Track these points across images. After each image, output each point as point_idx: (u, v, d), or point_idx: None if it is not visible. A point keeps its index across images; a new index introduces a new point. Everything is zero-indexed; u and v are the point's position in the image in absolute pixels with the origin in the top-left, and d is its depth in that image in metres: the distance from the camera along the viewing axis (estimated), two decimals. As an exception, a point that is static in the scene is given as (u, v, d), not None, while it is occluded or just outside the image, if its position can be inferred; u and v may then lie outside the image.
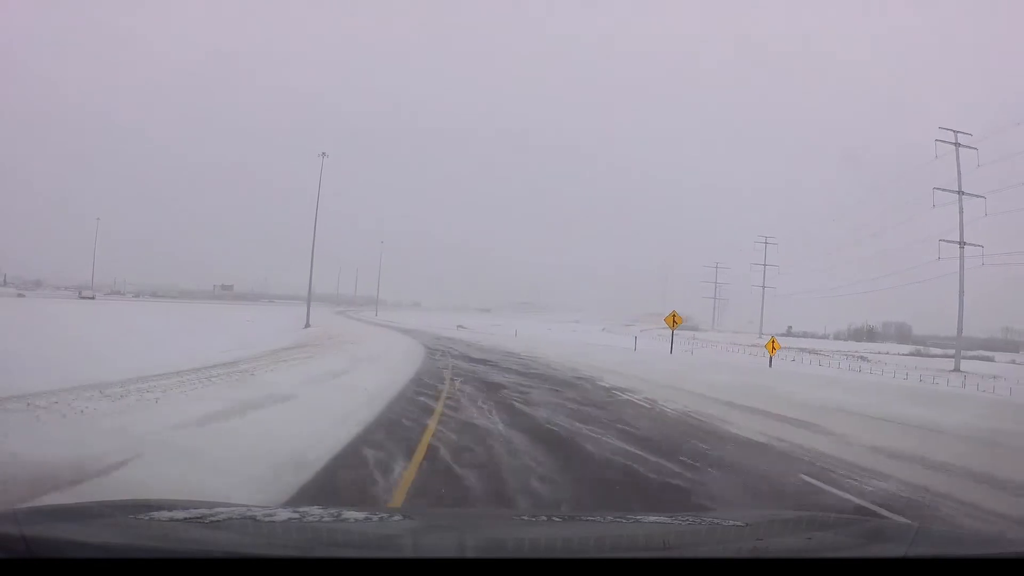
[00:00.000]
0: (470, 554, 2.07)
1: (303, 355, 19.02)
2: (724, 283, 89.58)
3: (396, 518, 3.17)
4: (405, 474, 5.94)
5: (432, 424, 8.82)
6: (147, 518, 2.29)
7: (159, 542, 2.03)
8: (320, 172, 42.10)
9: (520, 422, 9.46)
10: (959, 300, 38.33)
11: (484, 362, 22.99)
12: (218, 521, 2.35)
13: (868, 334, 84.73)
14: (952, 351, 41.50)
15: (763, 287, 77.00)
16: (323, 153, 42.45)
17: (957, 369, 36.34)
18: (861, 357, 47.06)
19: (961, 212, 38.67)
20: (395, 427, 8.46)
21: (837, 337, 77.33)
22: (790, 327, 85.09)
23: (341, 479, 5.71)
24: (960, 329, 39.19)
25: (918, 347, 64.84)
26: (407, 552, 2.16)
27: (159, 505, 2.48)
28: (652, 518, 3.35)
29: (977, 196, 38.81)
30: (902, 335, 76.78)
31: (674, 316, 29.77)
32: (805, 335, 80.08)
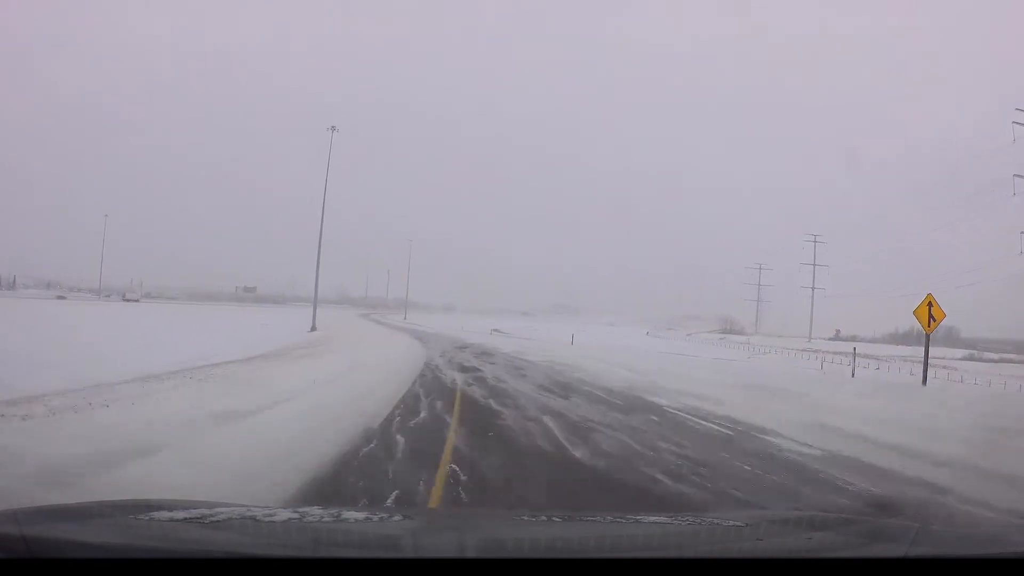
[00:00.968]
0: (470, 554, 2.07)
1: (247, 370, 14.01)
2: (767, 284, 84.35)
3: (396, 518, 3.17)
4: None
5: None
6: (147, 518, 2.29)
7: (159, 542, 2.04)
8: (329, 148, 39.25)
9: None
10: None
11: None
12: (218, 521, 2.35)
13: (917, 338, 76.49)
14: (1010, 355, 37.95)
15: (812, 288, 71.61)
16: (332, 127, 39.50)
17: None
18: (908, 360, 39.63)
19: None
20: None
21: (885, 341, 70.20)
22: (838, 331, 77.10)
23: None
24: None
25: (971, 351, 59.04)
26: (407, 552, 2.16)
27: (159, 505, 2.48)
28: (652, 518, 3.35)
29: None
30: (950, 338, 69.45)
31: (929, 309, 16.85)
32: (853, 339, 72.88)
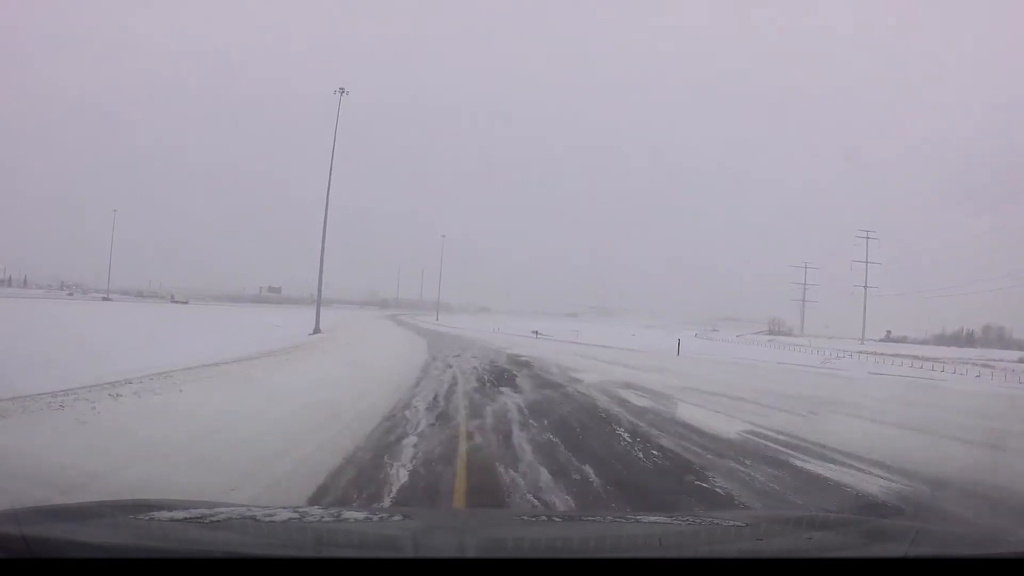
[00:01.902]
0: (470, 554, 2.07)
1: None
2: (812, 284, 78.77)
3: (396, 518, 3.16)
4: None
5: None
6: (147, 518, 2.29)
7: (159, 542, 2.04)
8: (337, 113, 34.21)
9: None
10: None
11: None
12: (218, 521, 2.35)
13: (967, 339, 70.44)
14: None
15: (865, 287, 65.70)
16: (341, 89, 34.58)
17: None
18: (985, 364, 33.89)
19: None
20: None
21: (935, 342, 65.33)
22: (888, 331, 71.88)
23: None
24: None
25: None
26: (407, 552, 2.16)
27: (159, 505, 2.49)
28: (652, 518, 3.35)
29: None
30: (1002, 340, 65.81)
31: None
32: (904, 340, 67.23)
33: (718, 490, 5.71)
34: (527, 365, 19.48)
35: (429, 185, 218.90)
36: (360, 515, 2.98)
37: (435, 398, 11.16)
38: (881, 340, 63.74)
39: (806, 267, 78.92)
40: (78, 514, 2.26)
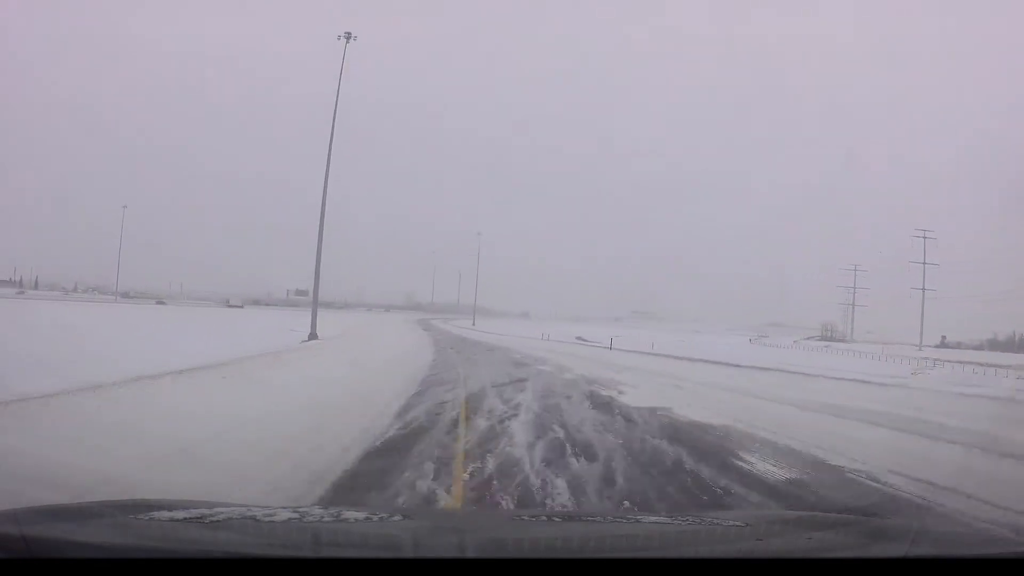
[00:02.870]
0: (470, 554, 2.07)
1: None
2: (863, 288, 74.91)
3: (396, 518, 3.16)
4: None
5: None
6: (147, 518, 2.29)
7: (159, 542, 2.04)
8: (342, 59, 28.41)
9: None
10: None
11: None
12: (218, 521, 2.35)
13: (1020, 344, 66.14)
14: None
15: (923, 289, 61.30)
16: (347, 34, 28.64)
17: None
18: None
19: None
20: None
21: (992, 348, 61.18)
22: (944, 337, 67.33)
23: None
24: None
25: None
26: (407, 552, 2.15)
27: (159, 505, 2.49)
28: (652, 518, 3.35)
29: None
30: None
31: None
32: (959, 346, 62.36)
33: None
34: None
35: (467, 191, 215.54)
36: (360, 515, 2.98)
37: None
38: (936, 346, 60.65)
39: (855, 270, 75.21)
40: (78, 514, 2.26)
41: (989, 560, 1.92)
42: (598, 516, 3.70)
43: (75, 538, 1.91)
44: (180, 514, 2.36)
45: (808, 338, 77.89)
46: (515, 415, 9.67)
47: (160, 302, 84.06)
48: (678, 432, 8.78)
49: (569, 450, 7.21)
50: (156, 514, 2.33)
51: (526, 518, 3.46)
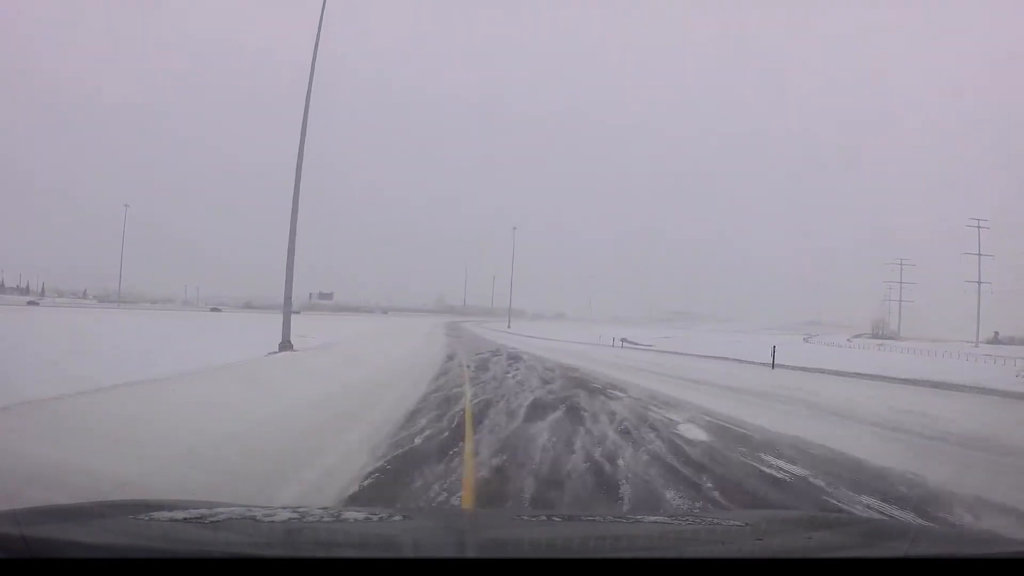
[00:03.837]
0: (470, 554, 2.07)
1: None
2: (909, 283, 72.49)
3: (396, 518, 3.16)
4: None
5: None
6: (147, 518, 2.29)
7: (159, 542, 2.04)
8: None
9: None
10: None
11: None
12: (218, 521, 2.35)
13: None
14: None
15: (979, 283, 58.22)
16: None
17: None
18: None
19: None
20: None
21: None
22: (996, 332, 63.14)
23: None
24: None
25: None
26: (407, 552, 2.15)
27: (159, 505, 2.49)
28: (652, 518, 3.35)
29: None
30: None
31: None
32: (1013, 341, 57.43)
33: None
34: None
35: (500, 191, 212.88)
36: (360, 515, 2.98)
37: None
38: (989, 342, 58.55)
39: (902, 264, 72.78)
40: (78, 514, 2.26)
41: (989, 560, 1.92)
42: (598, 516, 3.69)
43: (75, 538, 1.91)
44: (180, 514, 2.36)
45: (858, 336, 74.97)
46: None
47: (215, 309, 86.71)
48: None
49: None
50: (156, 514, 2.32)
51: (526, 518, 3.46)
